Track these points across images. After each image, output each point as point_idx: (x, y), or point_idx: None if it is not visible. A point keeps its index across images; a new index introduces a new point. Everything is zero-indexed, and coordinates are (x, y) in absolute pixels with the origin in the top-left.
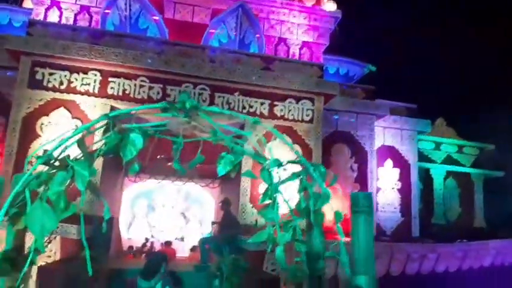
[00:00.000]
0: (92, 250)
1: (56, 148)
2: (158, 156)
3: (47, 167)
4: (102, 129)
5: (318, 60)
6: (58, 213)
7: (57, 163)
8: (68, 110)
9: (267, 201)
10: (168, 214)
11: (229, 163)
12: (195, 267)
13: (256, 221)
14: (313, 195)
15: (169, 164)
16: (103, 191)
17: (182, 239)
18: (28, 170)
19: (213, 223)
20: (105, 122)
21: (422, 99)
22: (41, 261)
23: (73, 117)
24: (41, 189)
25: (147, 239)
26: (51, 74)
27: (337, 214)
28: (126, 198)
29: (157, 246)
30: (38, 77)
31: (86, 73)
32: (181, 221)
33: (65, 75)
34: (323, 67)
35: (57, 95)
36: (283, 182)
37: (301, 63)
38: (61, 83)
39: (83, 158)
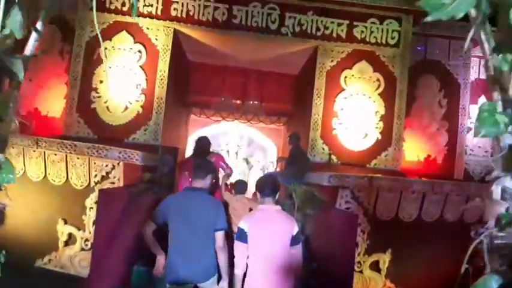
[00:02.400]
0: (157, 177)
1: None
2: (222, 98)
3: None
4: None
5: None
6: None
7: None
8: (131, 34)
9: None
10: (231, 159)
11: None
12: None
13: (330, 156)
14: None
15: (234, 101)
16: (168, 123)
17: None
18: (93, 97)
19: (279, 159)
20: None
21: None
22: (105, 187)
23: (135, 42)
24: None
25: None
26: None
27: None
28: (191, 140)
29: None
30: None
31: None
32: (244, 166)
33: None
34: None
35: (119, 18)
36: None
37: None
38: (123, 5)
39: None
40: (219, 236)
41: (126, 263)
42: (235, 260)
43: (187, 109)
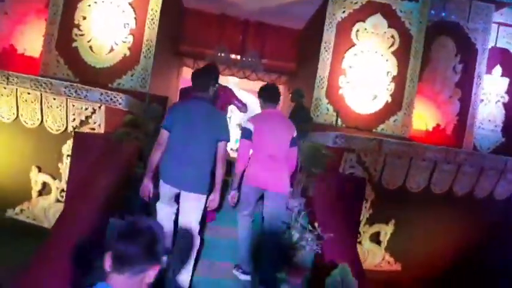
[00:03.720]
0: (140, 121)
1: None
2: (219, 53)
3: None
4: None
5: None
6: None
7: None
8: None
9: None
10: None
11: None
12: None
13: (337, 116)
14: None
15: (231, 55)
16: (158, 70)
17: (237, 150)
18: (75, 34)
19: None
20: None
21: None
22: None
23: None
24: None
25: None
26: None
27: None
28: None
29: None
30: None
31: None
32: (237, 132)
33: None
34: None
35: None
36: None
37: None
38: None
39: None
40: (222, 145)
41: (101, 215)
42: (237, 157)
43: (180, 59)
